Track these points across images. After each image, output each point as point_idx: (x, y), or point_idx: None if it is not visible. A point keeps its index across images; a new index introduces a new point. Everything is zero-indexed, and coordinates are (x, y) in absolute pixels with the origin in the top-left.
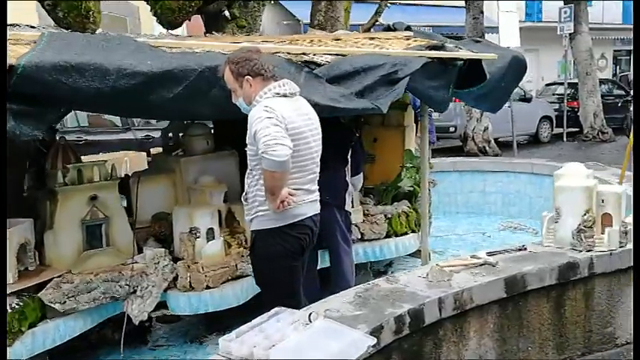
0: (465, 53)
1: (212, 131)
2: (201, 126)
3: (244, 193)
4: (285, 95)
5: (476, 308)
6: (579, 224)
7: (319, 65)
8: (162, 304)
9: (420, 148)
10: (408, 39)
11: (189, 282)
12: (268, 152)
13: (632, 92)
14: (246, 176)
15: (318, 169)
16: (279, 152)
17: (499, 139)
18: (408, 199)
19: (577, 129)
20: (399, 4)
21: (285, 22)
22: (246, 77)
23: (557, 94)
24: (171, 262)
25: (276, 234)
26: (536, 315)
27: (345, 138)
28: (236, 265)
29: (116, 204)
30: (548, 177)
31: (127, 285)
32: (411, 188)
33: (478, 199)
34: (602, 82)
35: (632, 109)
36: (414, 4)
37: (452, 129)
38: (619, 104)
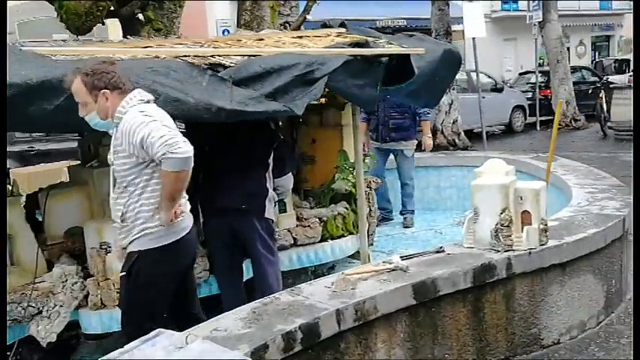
0: (389, 49)
1: None
2: None
3: (119, 214)
4: (148, 102)
5: (382, 317)
6: (497, 223)
7: (226, 67)
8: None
9: (355, 149)
10: (339, 36)
11: (100, 299)
12: (172, 151)
13: (605, 78)
14: (115, 197)
15: None
16: (184, 148)
17: (473, 131)
18: (347, 201)
19: (550, 117)
20: None
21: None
22: (103, 91)
23: (531, 83)
24: (81, 280)
25: (165, 252)
26: (452, 321)
27: (267, 140)
28: None
29: (20, 221)
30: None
31: (30, 306)
32: (348, 190)
33: (434, 194)
34: (575, 69)
35: (601, 95)
36: None
37: None
38: (590, 91)
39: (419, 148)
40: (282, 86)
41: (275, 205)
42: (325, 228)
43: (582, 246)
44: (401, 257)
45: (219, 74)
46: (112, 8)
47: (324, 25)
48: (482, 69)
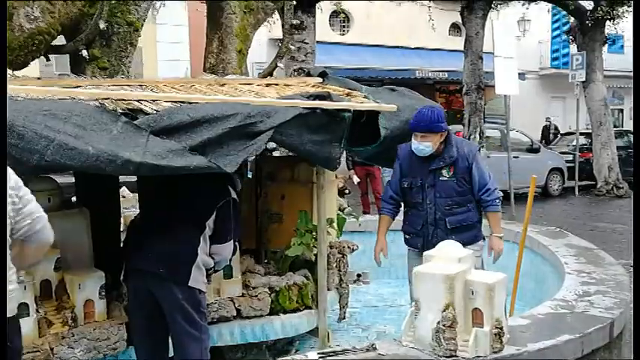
0: (350, 103)
1: (66, 186)
2: (45, 180)
3: None
4: None
5: None
6: (438, 322)
7: (147, 114)
8: None
9: (318, 210)
10: (314, 86)
11: None
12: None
13: None
14: None
15: None
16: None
17: (507, 192)
18: (310, 269)
19: (592, 182)
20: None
21: None
22: None
23: (574, 145)
24: None
25: None
26: None
27: (210, 196)
28: (52, 349)
29: None
30: (506, 242)
31: None
32: (307, 257)
33: None
34: (621, 132)
35: None
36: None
37: None
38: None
39: None
40: (215, 139)
41: (211, 272)
42: (277, 299)
43: (549, 357)
44: (320, 355)
45: (135, 122)
46: (52, 43)
47: (308, 73)
48: (527, 127)
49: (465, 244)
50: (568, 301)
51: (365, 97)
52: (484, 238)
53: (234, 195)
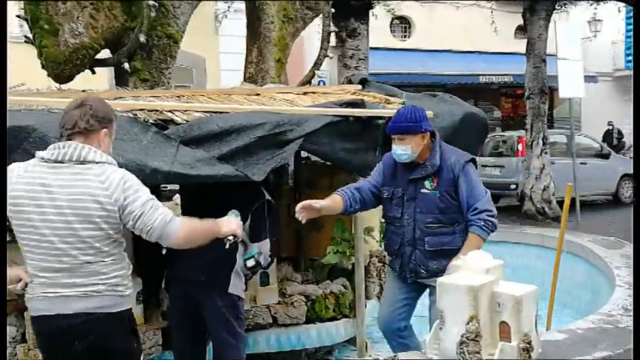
0: (382, 111)
1: None
2: None
3: None
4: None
5: None
6: (462, 335)
7: (177, 124)
8: None
9: (355, 218)
10: (353, 93)
11: None
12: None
13: None
14: None
15: (71, 258)
16: None
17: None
18: (349, 278)
19: None
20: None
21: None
22: None
23: None
24: (12, 345)
25: None
26: None
27: (244, 202)
28: None
29: None
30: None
31: None
32: (344, 265)
33: None
34: None
35: None
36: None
37: (513, 186)
38: None
39: None
40: (243, 148)
41: (249, 278)
42: (313, 308)
43: None
44: None
45: (165, 132)
46: (97, 57)
47: (349, 81)
48: (600, 132)
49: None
50: (613, 316)
51: (403, 103)
52: None
53: (267, 196)
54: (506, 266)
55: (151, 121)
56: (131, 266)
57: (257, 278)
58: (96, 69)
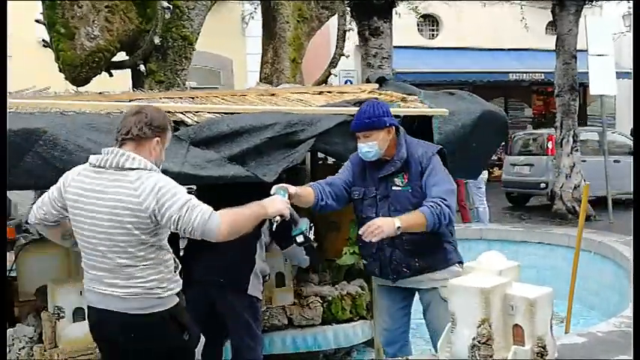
0: (399, 109)
1: None
2: None
3: None
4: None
5: None
6: (474, 338)
7: (188, 125)
8: None
9: None
10: (370, 92)
11: None
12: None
13: None
14: None
15: (110, 260)
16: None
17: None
18: (365, 279)
19: None
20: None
21: None
22: None
23: None
24: (29, 345)
25: None
26: None
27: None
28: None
29: None
30: (586, 252)
31: None
32: (360, 266)
33: None
34: None
35: None
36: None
37: (542, 185)
38: None
39: None
40: (254, 148)
41: (267, 279)
42: (329, 309)
43: None
44: None
45: (176, 133)
46: (113, 59)
47: (367, 80)
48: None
49: (432, 270)
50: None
51: (421, 101)
52: (461, 262)
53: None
54: (531, 267)
55: None
56: (179, 265)
57: (273, 279)
58: (114, 71)
